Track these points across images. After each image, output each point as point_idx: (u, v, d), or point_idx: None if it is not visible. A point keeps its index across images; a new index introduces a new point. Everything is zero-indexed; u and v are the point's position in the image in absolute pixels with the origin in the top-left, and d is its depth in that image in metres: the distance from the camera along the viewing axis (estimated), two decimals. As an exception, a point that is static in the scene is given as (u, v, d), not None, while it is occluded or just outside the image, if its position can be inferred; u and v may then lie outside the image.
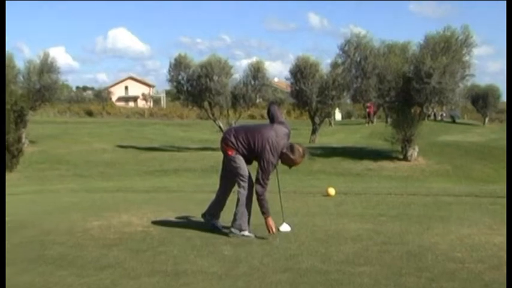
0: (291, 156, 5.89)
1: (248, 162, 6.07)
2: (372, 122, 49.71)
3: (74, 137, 33.63)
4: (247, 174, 6.01)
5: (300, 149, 5.94)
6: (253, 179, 5.99)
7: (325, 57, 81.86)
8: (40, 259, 5.05)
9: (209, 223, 6.44)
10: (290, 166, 6.03)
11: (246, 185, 6.00)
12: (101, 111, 75.27)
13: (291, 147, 5.92)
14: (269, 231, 5.93)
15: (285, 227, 6.17)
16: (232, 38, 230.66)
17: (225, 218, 6.37)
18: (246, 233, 5.98)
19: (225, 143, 6.10)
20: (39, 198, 10.24)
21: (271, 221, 5.96)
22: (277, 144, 5.85)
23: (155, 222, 6.88)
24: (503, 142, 31.43)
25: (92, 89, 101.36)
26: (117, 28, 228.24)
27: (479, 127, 50.36)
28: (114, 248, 5.54)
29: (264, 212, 5.94)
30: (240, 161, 5.99)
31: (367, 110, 50.75)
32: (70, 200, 9.72)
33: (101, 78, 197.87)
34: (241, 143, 5.97)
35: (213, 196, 6.59)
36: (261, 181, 5.85)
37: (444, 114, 55.97)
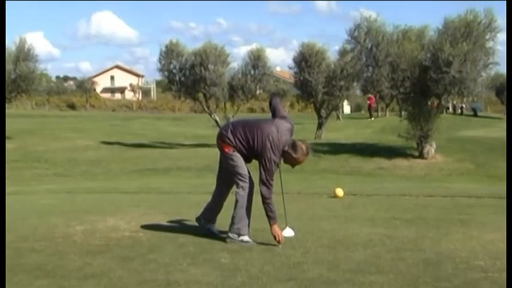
0: (293, 154, 5.87)
1: (247, 160, 6.05)
2: (372, 116, 50.42)
3: (53, 132, 33.66)
4: (246, 173, 5.99)
5: (303, 147, 5.92)
6: (254, 180, 5.99)
7: (332, 44, 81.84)
8: (16, 268, 5.04)
9: (204, 228, 6.44)
10: (293, 165, 6.02)
11: (245, 185, 5.97)
12: (84, 104, 75.39)
13: (293, 145, 5.90)
14: (275, 239, 5.87)
15: (288, 232, 6.17)
16: (230, 22, 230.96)
17: (222, 222, 6.37)
18: (245, 238, 5.97)
19: (222, 140, 6.08)
20: (14, 200, 10.22)
21: (277, 228, 5.90)
22: (278, 142, 5.83)
23: (144, 227, 6.88)
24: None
25: (74, 79, 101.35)
26: (101, 11, 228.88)
27: (504, 121, 50.32)
28: (99, 255, 5.54)
29: (271, 218, 5.86)
30: (238, 158, 5.96)
31: (368, 102, 50.90)
32: (50, 202, 9.72)
33: (84, 67, 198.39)
34: (239, 140, 5.94)
35: (208, 198, 6.58)
36: (266, 182, 5.79)
37: (464, 107, 55.91)
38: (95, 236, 6.44)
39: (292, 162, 5.95)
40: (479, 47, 21.81)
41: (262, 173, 5.84)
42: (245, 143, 5.92)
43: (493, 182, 19.05)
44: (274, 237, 5.86)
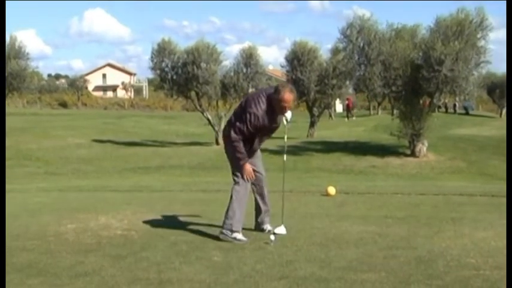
0: (276, 96, 5.92)
1: (252, 146, 6.11)
2: (350, 117, 50.46)
3: (45, 130, 33.55)
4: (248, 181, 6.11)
5: (284, 86, 6.03)
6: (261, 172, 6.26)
7: (325, 43, 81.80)
8: (7, 267, 5.01)
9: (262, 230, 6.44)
10: (283, 111, 6.01)
11: (242, 182, 6.06)
12: (76, 102, 75.17)
13: (274, 89, 6.02)
14: (243, 178, 6.03)
15: (280, 230, 6.18)
16: (223, 20, 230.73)
17: (215, 216, 6.36)
18: (238, 236, 5.96)
19: (223, 134, 6.27)
20: (6, 198, 10.18)
21: (248, 166, 6.04)
22: (258, 95, 6.07)
23: (136, 225, 6.87)
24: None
25: (66, 77, 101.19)
26: (94, 9, 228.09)
27: (496, 119, 50.53)
28: (91, 254, 5.53)
29: (241, 158, 6.01)
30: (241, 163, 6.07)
31: (346, 103, 51.15)
32: (41, 200, 9.69)
33: (76, 65, 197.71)
34: (232, 121, 6.10)
35: (201, 195, 6.59)
36: (236, 128, 5.97)
37: (458, 105, 56.04)
38: (87, 234, 6.43)
39: (280, 104, 5.95)
40: (470, 46, 21.87)
41: (240, 122, 5.96)
42: (239, 120, 6.01)
43: (484, 180, 19.13)
44: (246, 174, 6.03)
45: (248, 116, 5.94)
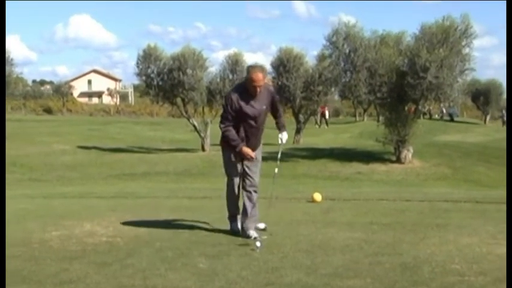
0: (247, 77, 6.32)
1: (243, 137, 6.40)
2: (320, 125, 48.73)
3: (30, 136, 33.31)
4: (232, 171, 6.55)
5: (254, 66, 6.46)
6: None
7: (311, 49, 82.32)
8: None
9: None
10: (254, 88, 6.27)
11: (228, 182, 6.66)
12: (61, 108, 74.73)
13: (246, 70, 6.55)
14: (246, 157, 6.40)
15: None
16: (209, 26, 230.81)
17: (200, 222, 6.34)
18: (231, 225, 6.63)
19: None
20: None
21: (245, 149, 6.36)
22: (237, 83, 6.72)
23: (122, 232, 6.84)
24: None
25: (51, 83, 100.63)
26: (79, 15, 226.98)
27: (480, 126, 50.95)
28: (76, 261, 5.50)
29: (235, 144, 6.36)
30: (225, 155, 6.55)
31: (320, 111, 48.05)
32: (25, 207, 9.62)
33: (61, 71, 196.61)
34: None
35: (186, 202, 6.61)
36: (221, 118, 6.47)
37: (444, 111, 56.34)
38: (72, 241, 6.40)
39: (251, 85, 6.27)
40: (455, 53, 22.01)
41: (222, 114, 6.53)
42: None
43: (469, 186, 19.24)
44: (246, 156, 6.39)
45: (224, 100, 6.47)
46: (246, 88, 6.35)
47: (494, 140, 35.89)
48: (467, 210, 8.51)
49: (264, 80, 6.35)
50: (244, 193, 6.53)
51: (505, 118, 55.17)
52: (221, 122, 6.39)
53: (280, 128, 6.69)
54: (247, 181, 6.54)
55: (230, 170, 6.57)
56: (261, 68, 6.41)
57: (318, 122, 49.41)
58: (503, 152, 27.16)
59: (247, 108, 6.31)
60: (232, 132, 6.34)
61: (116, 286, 4.65)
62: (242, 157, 6.44)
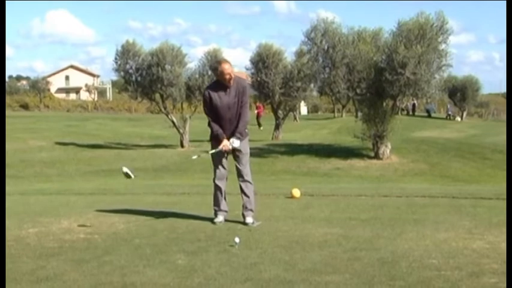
0: (217, 72, 6.85)
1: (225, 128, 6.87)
2: (261, 126, 42.08)
3: (6, 133, 32.94)
4: (216, 164, 7.01)
5: (219, 60, 7.02)
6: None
7: (290, 45, 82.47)
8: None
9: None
10: (226, 80, 6.76)
11: (214, 174, 7.11)
12: (38, 104, 74.10)
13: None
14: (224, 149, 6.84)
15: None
16: (188, 22, 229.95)
17: (179, 219, 6.31)
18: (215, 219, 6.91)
19: None
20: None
21: (225, 141, 6.82)
22: (208, 84, 7.20)
23: (99, 229, 6.80)
24: (484, 139, 32.33)
25: (28, 78, 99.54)
26: (56, 10, 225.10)
27: (457, 122, 51.42)
28: (53, 258, 5.45)
29: (217, 135, 6.85)
30: (213, 151, 6.91)
31: (256, 111, 44.41)
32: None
33: (38, 67, 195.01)
34: None
35: (165, 198, 6.59)
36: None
37: (416, 104, 56.75)
38: (49, 238, 6.34)
39: (223, 77, 6.78)
40: (432, 50, 22.19)
41: None
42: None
43: (446, 182, 19.43)
44: (223, 147, 6.82)
45: (202, 97, 7.04)
46: (219, 83, 6.87)
47: (470, 136, 36.29)
48: (444, 205, 8.58)
49: (231, 70, 6.80)
50: (239, 184, 7.07)
51: (449, 112, 56.00)
52: (207, 116, 6.96)
53: (234, 133, 6.92)
54: (238, 173, 7.05)
55: (214, 162, 7.06)
56: (225, 60, 6.92)
57: (257, 123, 43.00)
58: (479, 148, 27.56)
59: (218, 101, 6.82)
60: (212, 125, 6.88)
61: (93, 283, 4.62)
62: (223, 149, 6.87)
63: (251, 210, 7.02)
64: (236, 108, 6.84)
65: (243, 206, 7.02)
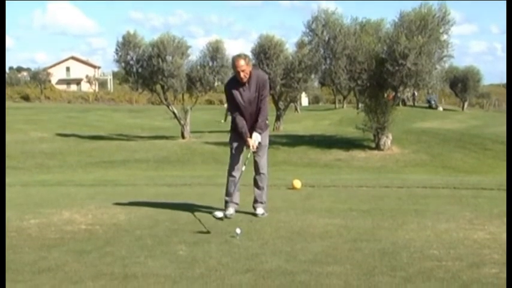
0: (232, 65, 6.83)
1: (248, 121, 6.86)
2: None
3: (7, 124, 32.83)
4: (233, 153, 6.99)
5: (235, 56, 6.87)
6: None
7: (292, 36, 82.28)
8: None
9: None
10: (241, 76, 6.70)
11: (228, 165, 7.08)
12: (39, 96, 74.04)
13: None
14: (248, 147, 6.85)
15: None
16: (190, 13, 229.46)
17: (180, 210, 6.31)
18: (217, 213, 6.44)
19: None
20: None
21: (249, 140, 6.81)
22: (226, 86, 7.07)
23: (101, 220, 6.81)
24: (486, 129, 32.31)
25: (29, 70, 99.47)
26: (57, 1, 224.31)
27: (458, 113, 51.35)
28: (54, 249, 5.46)
29: (243, 133, 6.83)
30: (231, 141, 6.99)
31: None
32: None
33: (39, 58, 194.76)
34: None
35: (166, 190, 6.58)
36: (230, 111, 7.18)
37: (416, 94, 56.48)
38: (50, 229, 6.35)
39: (236, 70, 6.73)
40: (434, 40, 22.15)
41: None
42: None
43: (447, 172, 19.43)
44: (248, 146, 6.84)
45: (224, 93, 7.11)
46: (236, 78, 6.82)
47: (471, 126, 36.25)
48: (445, 196, 8.58)
49: (247, 66, 6.69)
50: (254, 177, 7.09)
51: (432, 102, 55.47)
52: (231, 115, 7.14)
53: (255, 128, 6.92)
54: (255, 165, 7.07)
55: (232, 154, 7.05)
56: (243, 56, 6.80)
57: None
58: (480, 138, 27.55)
59: (238, 96, 6.80)
60: (238, 121, 6.90)
61: (94, 274, 4.62)
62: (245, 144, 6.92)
63: (261, 202, 7.04)
64: (257, 103, 6.85)
65: (254, 198, 7.05)
